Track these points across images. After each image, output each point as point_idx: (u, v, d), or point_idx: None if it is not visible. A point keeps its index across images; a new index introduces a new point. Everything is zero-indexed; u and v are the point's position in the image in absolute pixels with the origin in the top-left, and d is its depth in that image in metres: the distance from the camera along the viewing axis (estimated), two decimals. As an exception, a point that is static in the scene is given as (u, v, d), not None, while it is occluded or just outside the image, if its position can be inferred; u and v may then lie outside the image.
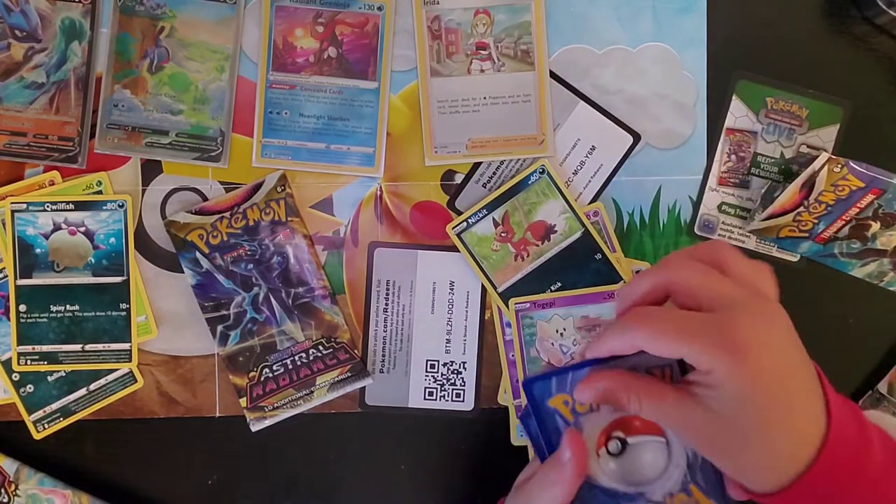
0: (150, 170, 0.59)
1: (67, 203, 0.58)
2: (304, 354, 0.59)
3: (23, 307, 0.58)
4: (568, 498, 0.41)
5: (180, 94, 0.59)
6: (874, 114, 0.61)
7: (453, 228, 0.59)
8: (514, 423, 0.61)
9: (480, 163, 0.60)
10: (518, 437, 0.61)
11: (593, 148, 0.61)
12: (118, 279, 0.58)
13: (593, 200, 0.61)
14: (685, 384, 0.40)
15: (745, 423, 0.37)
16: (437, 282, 0.61)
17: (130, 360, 0.59)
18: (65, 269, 0.58)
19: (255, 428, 0.59)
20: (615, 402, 0.40)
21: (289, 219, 0.59)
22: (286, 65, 0.59)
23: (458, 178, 0.61)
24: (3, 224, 0.57)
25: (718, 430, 0.37)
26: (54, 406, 0.59)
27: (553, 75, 0.60)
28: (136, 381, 0.60)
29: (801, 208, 0.58)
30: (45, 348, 0.58)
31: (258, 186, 0.59)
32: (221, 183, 0.60)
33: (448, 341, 0.61)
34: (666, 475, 0.41)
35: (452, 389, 0.61)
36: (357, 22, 0.59)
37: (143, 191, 0.59)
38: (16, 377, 0.59)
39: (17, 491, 0.57)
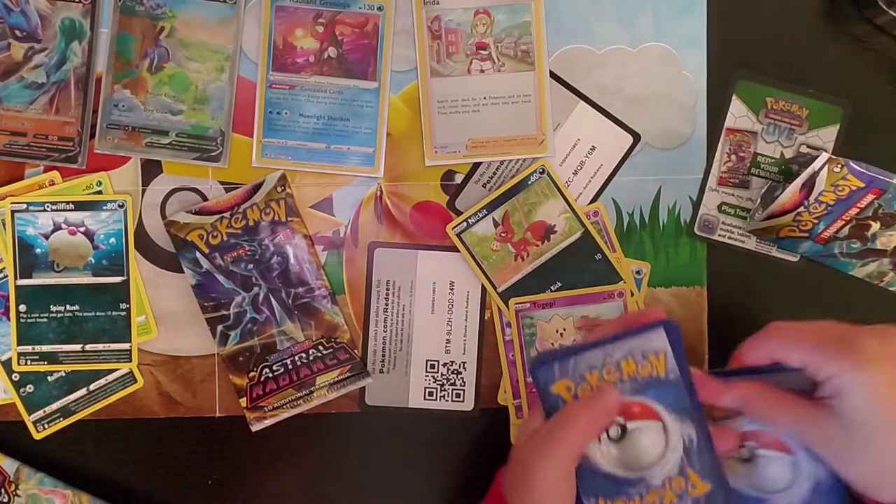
0: (150, 170, 0.59)
1: (67, 203, 0.58)
2: (304, 354, 0.59)
3: (23, 307, 0.58)
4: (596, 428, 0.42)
5: (180, 94, 0.59)
6: (874, 114, 0.61)
7: (453, 228, 0.59)
8: (515, 422, 0.61)
9: (480, 163, 0.60)
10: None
11: (593, 148, 0.61)
12: (118, 279, 0.58)
13: (593, 200, 0.61)
14: (814, 399, 0.42)
15: (871, 429, 0.39)
16: (437, 282, 0.61)
17: (130, 360, 0.59)
18: (65, 269, 0.58)
19: (255, 428, 0.59)
20: (753, 409, 0.43)
21: (289, 219, 0.59)
22: (286, 65, 0.59)
23: (458, 178, 0.61)
24: (3, 224, 0.57)
25: (847, 437, 0.40)
26: (54, 406, 0.59)
27: (553, 75, 0.60)
28: (136, 381, 0.60)
29: (801, 208, 0.58)
30: (45, 348, 0.58)
31: (258, 186, 0.59)
32: (221, 183, 0.60)
33: (448, 341, 0.61)
34: (664, 460, 0.42)
35: (452, 389, 0.61)
36: (357, 22, 0.59)
37: (143, 191, 0.59)
38: (16, 377, 0.59)
39: (17, 491, 0.57)
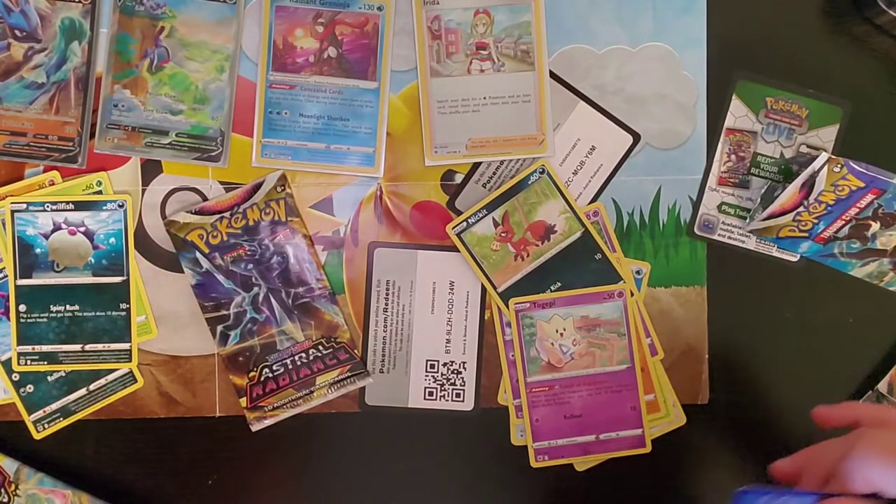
0: (150, 170, 0.59)
1: (67, 203, 0.58)
2: (304, 354, 0.59)
3: (23, 307, 0.58)
4: None
5: (180, 94, 0.59)
6: (874, 114, 0.61)
7: (453, 228, 0.59)
8: (515, 423, 0.61)
9: (480, 163, 0.60)
10: (518, 437, 0.61)
11: (593, 148, 0.61)
12: (118, 279, 0.58)
13: (593, 200, 0.61)
14: None
15: None
16: (437, 282, 0.61)
17: (130, 360, 0.59)
18: (65, 269, 0.58)
19: (255, 428, 0.59)
20: None
21: (289, 219, 0.59)
22: (286, 65, 0.59)
23: (458, 178, 0.61)
24: (3, 224, 0.57)
25: None
26: (54, 406, 0.59)
27: (553, 75, 0.60)
28: (136, 381, 0.60)
29: (801, 208, 0.58)
30: (45, 348, 0.58)
31: (258, 186, 0.59)
32: (221, 183, 0.60)
33: (448, 341, 0.61)
34: None
35: (452, 389, 0.61)
36: (357, 22, 0.59)
37: (143, 191, 0.59)
38: (16, 377, 0.59)
39: (17, 491, 0.57)
